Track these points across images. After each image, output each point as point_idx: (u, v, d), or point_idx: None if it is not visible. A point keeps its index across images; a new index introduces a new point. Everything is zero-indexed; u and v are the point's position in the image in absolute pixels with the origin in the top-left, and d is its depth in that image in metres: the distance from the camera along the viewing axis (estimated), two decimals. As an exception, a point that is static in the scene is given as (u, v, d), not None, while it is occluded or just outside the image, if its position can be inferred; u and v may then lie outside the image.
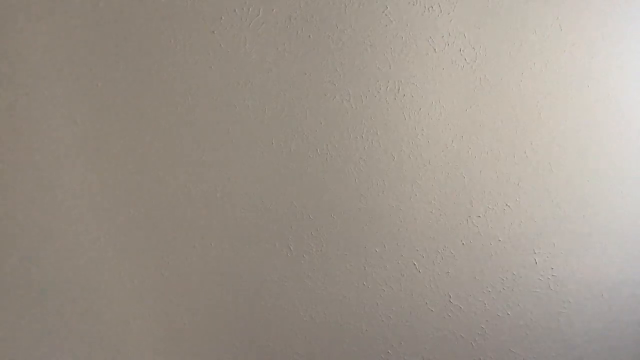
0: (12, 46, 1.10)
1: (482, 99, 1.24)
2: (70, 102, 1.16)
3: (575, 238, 1.39)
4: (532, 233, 1.38)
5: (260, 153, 1.25)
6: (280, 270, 1.38)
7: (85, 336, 1.39)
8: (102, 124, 1.19)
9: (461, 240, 1.38)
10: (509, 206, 1.35)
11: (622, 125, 1.29)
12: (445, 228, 1.36)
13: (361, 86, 1.20)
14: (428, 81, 1.21)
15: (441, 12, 1.15)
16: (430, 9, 1.15)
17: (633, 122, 1.29)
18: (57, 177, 1.22)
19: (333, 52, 1.17)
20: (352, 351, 1.51)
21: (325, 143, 1.25)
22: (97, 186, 1.24)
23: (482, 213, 1.35)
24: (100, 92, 1.16)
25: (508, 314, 1.48)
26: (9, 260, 1.28)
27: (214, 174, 1.26)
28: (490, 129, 1.27)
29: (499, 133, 1.27)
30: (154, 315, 1.40)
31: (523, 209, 1.35)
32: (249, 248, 1.35)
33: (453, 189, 1.32)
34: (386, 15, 1.15)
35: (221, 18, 1.12)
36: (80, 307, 1.36)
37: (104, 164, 1.23)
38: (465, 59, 1.20)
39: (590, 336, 1.52)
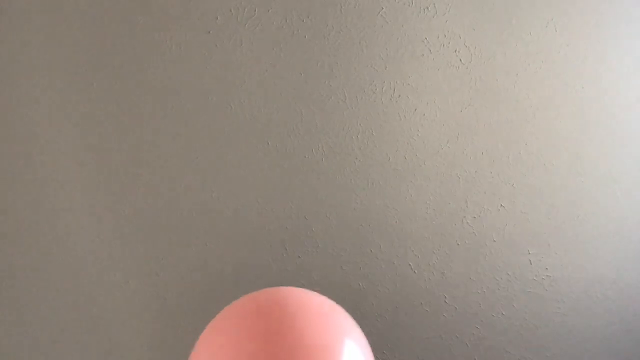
0: (6, 45, 1.10)
1: (477, 100, 1.24)
2: (65, 102, 1.16)
3: (570, 239, 1.40)
4: (526, 233, 1.38)
5: (256, 153, 1.25)
6: (275, 271, 1.38)
7: (80, 335, 1.39)
8: (97, 124, 1.19)
9: (456, 241, 1.38)
10: (503, 207, 1.35)
11: (616, 126, 1.30)
12: (441, 229, 1.36)
13: (357, 87, 1.20)
14: (423, 82, 1.22)
15: (436, 13, 1.16)
16: (425, 10, 1.15)
17: (627, 123, 1.29)
18: (51, 177, 1.21)
19: (329, 53, 1.17)
20: (347, 351, 1.51)
21: (321, 143, 1.25)
22: (92, 186, 1.24)
23: (477, 214, 1.35)
24: (95, 92, 1.16)
25: (503, 314, 1.48)
26: (3, 260, 1.28)
27: (209, 173, 1.26)
28: (485, 130, 1.27)
29: (494, 134, 1.28)
30: (148, 315, 1.40)
31: (518, 210, 1.35)
32: (244, 248, 1.34)
33: (448, 190, 1.32)
34: (382, 16, 1.15)
35: (217, 18, 1.12)
36: (74, 307, 1.35)
37: (98, 163, 1.22)
38: (461, 60, 1.20)
39: (585, 336, 1.53)
